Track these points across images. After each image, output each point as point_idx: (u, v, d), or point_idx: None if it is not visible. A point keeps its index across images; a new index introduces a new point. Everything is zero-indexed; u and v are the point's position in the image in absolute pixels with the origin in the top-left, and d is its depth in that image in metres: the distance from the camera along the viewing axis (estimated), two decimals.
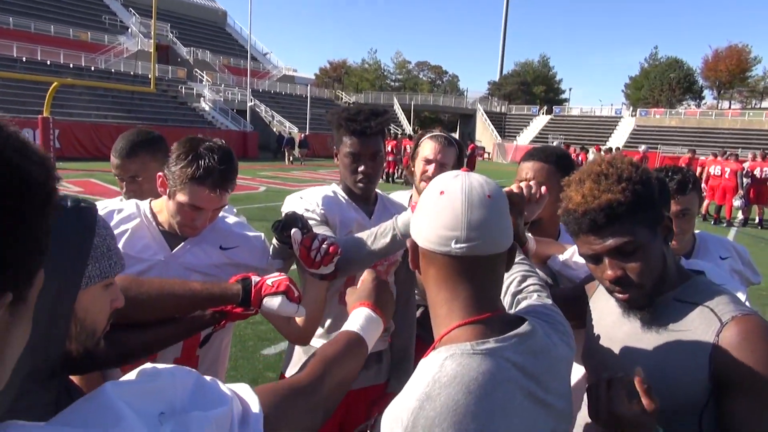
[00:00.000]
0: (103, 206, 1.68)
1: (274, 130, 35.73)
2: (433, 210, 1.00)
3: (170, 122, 29.14)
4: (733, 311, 1.22)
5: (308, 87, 37.40)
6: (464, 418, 0.85)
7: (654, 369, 1.25)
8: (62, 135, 21.70)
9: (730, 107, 58.79)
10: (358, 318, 1.19)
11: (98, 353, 1.02)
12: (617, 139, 43.42)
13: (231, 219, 1.78)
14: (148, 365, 0.72)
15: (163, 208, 1.68)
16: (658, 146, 39.12)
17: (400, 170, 20.70)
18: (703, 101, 64.41)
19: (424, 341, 2.21)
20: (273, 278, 1.46)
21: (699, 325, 1.25)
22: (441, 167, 2.40)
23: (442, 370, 0.90)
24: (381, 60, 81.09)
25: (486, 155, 44.58)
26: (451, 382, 0.88)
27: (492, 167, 34.30)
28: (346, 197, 2.03)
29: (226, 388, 0.75)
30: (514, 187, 1.64)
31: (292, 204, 1.97)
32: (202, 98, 34.44)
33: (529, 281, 1.35)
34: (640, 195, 1.24)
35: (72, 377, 1.45)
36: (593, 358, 1.47)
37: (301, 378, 0.95)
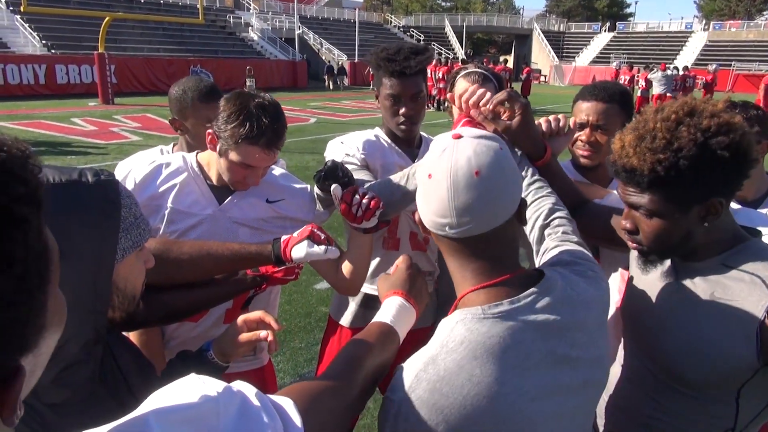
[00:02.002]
0: (150, 160, 1.70)
1: (323, 58, 35.22)
2: (424, 194, 0.98)
3: (220, 54, 29.19)
4: None
5: (356, 11, 36.25)
6: (467, 382, 0.87)
7: (693, 336, 1.19)
8: (118, 70, 22.12)
9: None
10: (391, 308, 1.15)
11: (138, 312, 1.06)
12: (686, 57, 40.40)
13: (277, 171, 1.78)
14: (194, 379, 0.71)
15: (211, 161, 1.68)
16: (732, 63, 36.26)
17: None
18: None
19: None
20: (299, 230, 1.50)
21: (747, 296, 1.13)
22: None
23: (451, 334, 0.91)
24: None
25: (542, 78, 42.67)
26: (457, 347, 0.89)
27: (548, 91, 32.89)
28: (389, 141, 1.99)
29: (270, 403, 0.73)
30: (543, 121, 1.59)
31: (333, 149, 1.94)
32: (250, 27, 34.08)
33: (556, 214, 1.33)
34: (681, 173, 1.09)
35: (131, 336, 1.53)
36: (631, 310, 1.41)
37: (336, 378, 0.94)
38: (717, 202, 1.13)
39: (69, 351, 0.86)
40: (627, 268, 1.83)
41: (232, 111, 1.52)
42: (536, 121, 1.57)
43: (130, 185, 1.65)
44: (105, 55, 18.78)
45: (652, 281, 1.33)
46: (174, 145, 2.16)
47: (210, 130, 1.60)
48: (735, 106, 1.99)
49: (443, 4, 72.78)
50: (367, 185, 1.68)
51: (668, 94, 17.76)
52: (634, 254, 1.41)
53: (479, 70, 2.27)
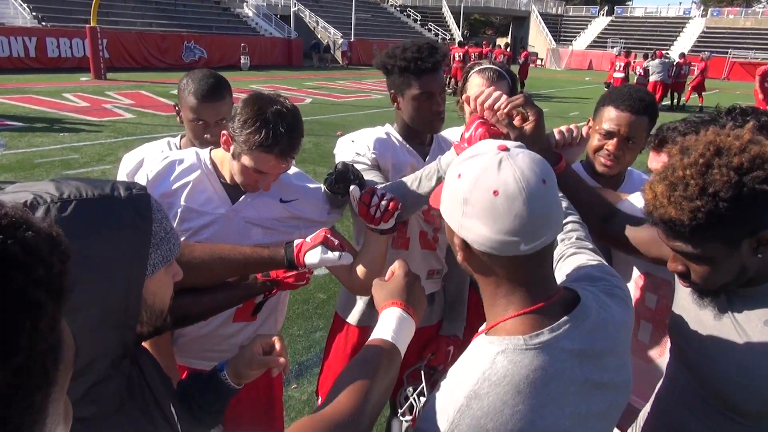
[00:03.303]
0: (163, 157, 1.67)
1: (319, 36, 34.76)
2: (488, 214, 0.89)
3: (215, 30, 28.69)
4: None
5: None
6: (511, 418, 0.85)
7: (748, 369, 1.15)
8: (110, 45, 21.72)
9: None
10: (391, 321, 1.08)
11: (165, 326, 1.05)
12: (683, 43, 40.24)
13: (291, 170, 1.75)
14: None
15: (225, 159, 1.66)
16: (729, 51, 36.18)
17: (447, 79, 19.99)
18: None
19: (477, 288, 2.21)
20: (312, 235, 1.48)
21: None
22: None
23: (493, 367, 0.88)
24: None
25: (539, 62, 42.39)
26: (501, 381, 0.87)
27: (544, 74, 32.72)
28: (400, 139, 1.96)
29: None
30: (555, 132, 1.56)
31: (343, 148, 1.92)
32: (245, 3, 33.52)
33: (569, 219, 1.33)
34: (723, 216, 1.03)
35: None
36: (678, 335, 1.37)
37: (342, 411, 0.90)
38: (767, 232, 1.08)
39: (97, 368, 0.86)
40: (642, 270, 1.83)
41: (249, 116, 1.48)
42: (551, 131, 1.56)
43: (142, 181, 1.63)
44: (97, 29, 18.42)
45: (703, 306, 1.29)
46: (182, 137, 2.13)
47: (225, 131, 1.57)
48: (746, 113, 1.97)
49: None
50: (380, 186, 1.67)
51: (664, 81, 17.78)
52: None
53: (494, 67, 2.24)
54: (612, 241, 1.54)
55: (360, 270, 1.65)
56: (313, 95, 17.53)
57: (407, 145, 1.96)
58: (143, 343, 1.13)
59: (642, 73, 17.78)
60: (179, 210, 1.63)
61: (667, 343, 1.73)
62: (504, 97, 1.46)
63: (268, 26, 32.17)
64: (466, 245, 0.95)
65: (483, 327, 1.01)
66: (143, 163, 1.96)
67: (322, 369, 2.27)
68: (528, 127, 1.43)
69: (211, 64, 25.94)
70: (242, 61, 26.23)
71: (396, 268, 1.20)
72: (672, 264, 1.20)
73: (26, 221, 0.51)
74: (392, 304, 1.11)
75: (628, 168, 2.03)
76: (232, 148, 1.57)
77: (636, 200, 1.75)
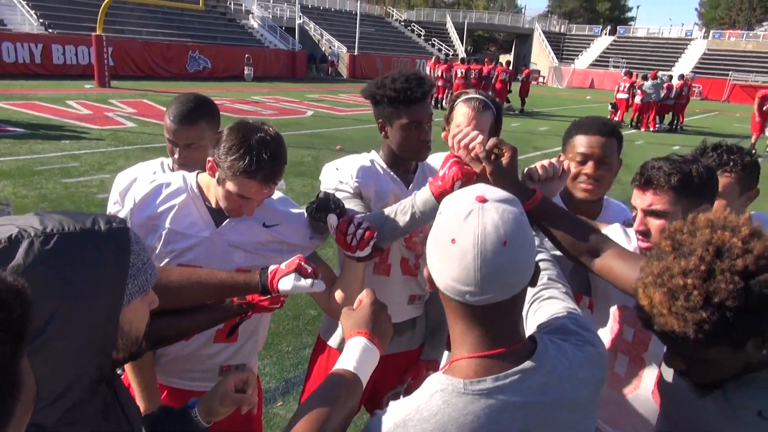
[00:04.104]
0: (150, 180, 1.72)
1: (323, 49, 35.06)
2: (444, 258, 0.93)
3: (220, 40, 28.96)
4: None
5: (358, 3, 36.03)
6: None
7: None
8: (115, 53, 21.94)
9: None
10: (355, 351, 1.13)
11: (141, 351, 1.09)
12: (685, 64, 40.55)
13: (275, 194, 1.80)
14: None
15: (211, 183, 1.70)
16: (730, 73, 36.44)
17: (449, 95, 20.14)
18: None
19: None
20: (287, 261, 1.52)
21: None
22: None
23: (429, 403, 0.92)
24: None
25: (540, 79, 42.68)
26: (431, 418, 0.90)
27: (546, 92, 32.94)
28: (385, 166, 2.01)
29: None
30: (538, 167, 1.60)
31: (328, 176, 1.97)
32: (250, 15, 33.86)
33: (539, 257, 1.33)
34: (729, 323, 0.96)
35: None
36: (667, 400, 1.34)
37: None
38: None
39: (74, 392, 0.90)
40: (619, 303, 1.86)
41: (234, 143, 1.54)
42: (533, 166, 1.60)
43: (129, 203, 1.68)
44: (102, 38, 18.60)
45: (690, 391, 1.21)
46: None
47: (210, 158, 1.62)
48: (731, 151, 2.00)
49: None
50: (359, 215, 1.72)
51: (657, 101, 17.91)
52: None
53: (479, 97, 2.29)
54: (598, 274, 1.55)
55: (338, 295, 1.70)
56: (314, 108, 17.65)
57: (391, 173, 2.01)
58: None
59: (641, 94, 17.90)
60: (164, 232, 1.67)
61: (643, 375, 1.75)
62: (480, 137, 1.53)
63: (273, 38, 32.47)
64: (431, 278, 1.00)
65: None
66: (136, 181, 2.01)
67: (303, 391, 2.30)
68: (504, 160, 1.49)
69: (215, 75, 26.20)
70: (246, 71, 26.45)
71: (363, 297, 1.25)
72: (670, 362, 1.15)
73: None
74: (357, 333, 1.17)
75: (606, 198, 2.07)
76: (217, 173, 1.62)
77: (613, 232, 1.79)
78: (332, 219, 1.61)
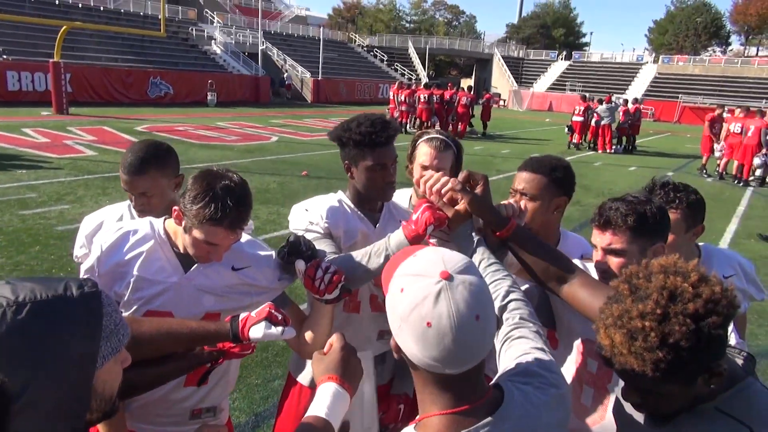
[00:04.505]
0: (117, 227, 1.72)
1: (286, 74, 35.21)
2: (420, 340, 0.96)
3: (181, 66, 28.78)
4: None
5: (321, 29, 36.49)
6: None
7: None
8: (74, 79, 21.57)
9: (757, 54, 56.62)
10: (326, 397, 1.19)
11: (114, 410, 1.09)
12: (638, 88, 42.25)
13: (243, 237, 1.82)
14: None
15: (178, 231, 1.71)
16: (679, 95, 38.08)
17: (413, 119, 20.44)
18: (729, 48, 62.13)
19: None
20: (257, 309, 1.55)
21: None
22: (438, 172, 2.40)
23: None
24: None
25: (501, 102, 43.74)
26: None
27: (507, 115, 33.75)
28: (352, 206, 2.06)
29: None
30: (504, 204, 1.70)
31: (297, 217, 2.01)
32: (213, 41, 33.82)
33: (512, 296, 1.39)
34: (683, 362, 1.05)
35: None
36: (620, 424, 1.42)
37: None
38: (720, 364, 1.09)
39: None
40: (583, 336, 1.93)
41: (199, 192, 1.56)
42: (501, 203, 1.69)
43: (96, 251, 1.67)
44: (60, 64, 18.29)
45: (643, 420, 1.29)
46: None
47: (176, 207, 1.64)
48: (678, 190, 2.11)
49: (407, 25, 73.91)
50: (330, 258, 1.76)
51: (611, 124, 18.54)
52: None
53: (440, 137, 2.39)
54: (565, 299, 1.62)
55: (308, 335, 1.74)
56: (279, 133, 17.65)
57: (359, 212, 2.06)
58: None
59: (598, 117, 18.54)
60: (132, 279, 1.67)
61: (608, 405, 1.81)
62: (447, 179, 1.61)
63: (236, 63, 32.47)
64: (399, 349, 1.03)
65: (417, 417, 1.07)
66: (102, 226, 2.00)
67: (275, 427, 2.29)
68: (478, 189, 1.58)
69: (177, 100, 25.95)
70: (209, 97, 26.33)
71: (333, 341, 1.30)
72: (627, 396, 1.22)
73: None
74: (329, 379, 1.23)
75: (562, 230, 2.17)
76: (183, 222, 1.63)
77: None
78: (300, 264, 1.65)
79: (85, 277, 1.41)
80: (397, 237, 1.71)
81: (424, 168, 2.39)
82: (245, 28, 38.24)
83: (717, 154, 14.35)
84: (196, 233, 1.60)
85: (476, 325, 0.96)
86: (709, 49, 58.41)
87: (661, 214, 1.66)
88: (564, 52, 53.13)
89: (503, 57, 50.39)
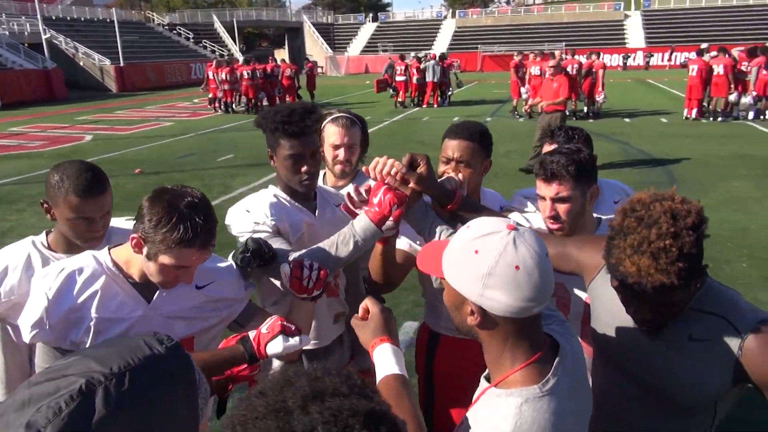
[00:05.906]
0: (59, 268, 1.51)
1: (81, 63, 31.46)
2: (512, 287, 1.04)
3: None
4: (750, 322, 1.33)
5: (112, 10, 32.94)
6: None
7: (671, 372, 1.39)
8: None
9: (534, 3, 63.51)
10: (388, 357, 1.26)
11: None
12: (442, 43, 45.08)
13: None
14: None
15: (130, 259, 1.56)
16: (478, 46, 41.52)
17: (237, 98, 19.67)
18: None
19: None
20: (266, 324, 1.51)
21: (718, 337, 1.34)
22: (350, 148, 2.42)
23: (522, 417, 1.04)
24: None
25: (319, 69, 43.86)
26: (531, 428, 1.03)
27: (328, 82, 33.96)
28: (289, 199, 2.03)
29: None
30: (453, 175, 1.83)
31: (239, 219, 1.93)
32: None
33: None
34: (693, 267, 1.24)
35: None
36: (603, 347, 1.59)
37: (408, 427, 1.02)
38: (704, 266, 1.29)
39: None
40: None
41: (162, 215, 1.43)
42: (444, 177, 1.80)
43: (40, 300, 1.46)
44: None
45: (631, 321, 1.46)
46: (48, 233, 1.89)
47: (134, 234, 1.49)
48: (573, 130, 2.45)
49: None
50: (295, 255, 1.74)
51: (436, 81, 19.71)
52: (605, 279, 1.46)
53: (344, 115, 2.43)
54: None
55: (306, 347, 1.70)
56: (92, 131, 15.85)
57: (297, 204, 2.03)
58: None
59: (418, 75, 19.48)
60: (92, 323, 1.49)
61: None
62: (393, 161, 1.66)
63: (17, 57, 28.11)
64: (482, 311, 1.08)
65: (488, 383, 1.16)
66: (7, 272, 1.74)
67: None
68: (422, 170, 1.67)
69: None
70: None
71: (369, 305, 1.35)
72: (639, 315, 1.39)
73: None
74: (381, 341, 1.29)
75: (482, 188, 2.36)
76: (145, 249, 1.49)
77: (515, 219, 2.07)
78: (285, 268, 1.61)
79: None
80: (361, 222, 1.72)
81: (336, 147, 2.42)
82: (19, 15, 33.08)
83: (524, 96, 15.98)
84: (165, 259, 1.47)
85: (548, 261, 1.09)
86: (495, 1, 64.07)
87: (592, 160, 1.91)
88: (370, 15, 54.56)
89: (313, 24, 50.22)
